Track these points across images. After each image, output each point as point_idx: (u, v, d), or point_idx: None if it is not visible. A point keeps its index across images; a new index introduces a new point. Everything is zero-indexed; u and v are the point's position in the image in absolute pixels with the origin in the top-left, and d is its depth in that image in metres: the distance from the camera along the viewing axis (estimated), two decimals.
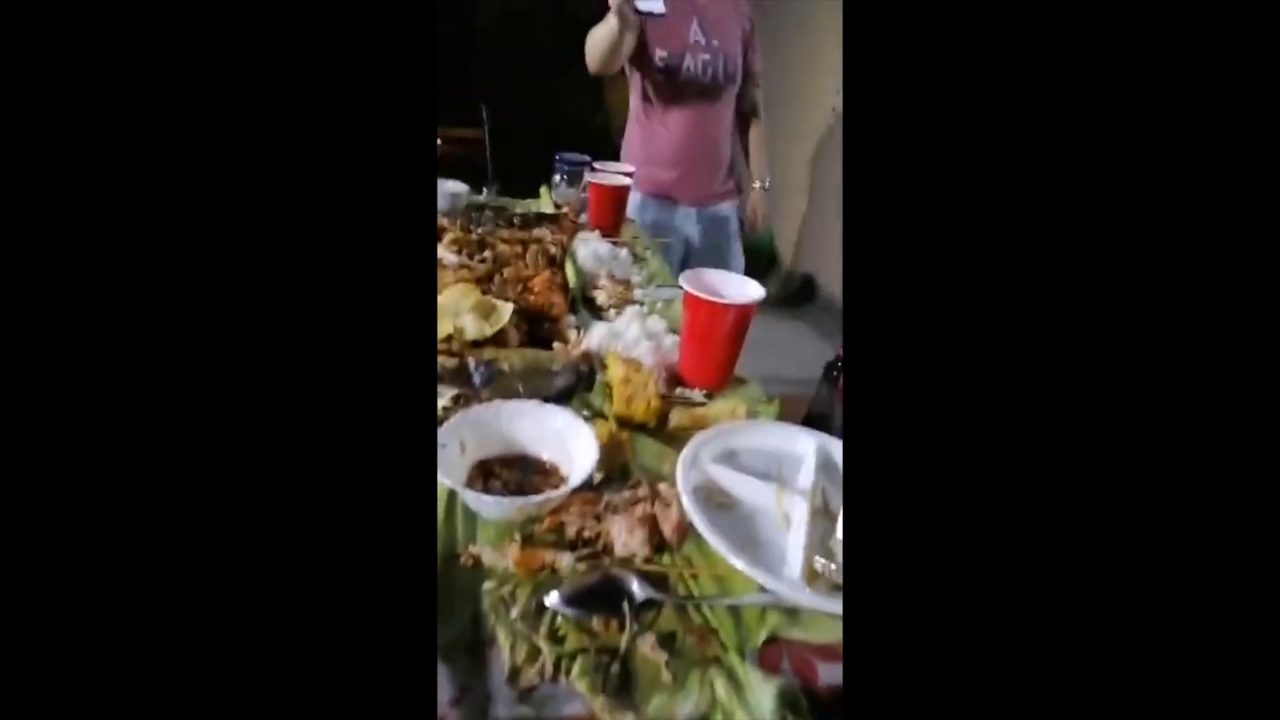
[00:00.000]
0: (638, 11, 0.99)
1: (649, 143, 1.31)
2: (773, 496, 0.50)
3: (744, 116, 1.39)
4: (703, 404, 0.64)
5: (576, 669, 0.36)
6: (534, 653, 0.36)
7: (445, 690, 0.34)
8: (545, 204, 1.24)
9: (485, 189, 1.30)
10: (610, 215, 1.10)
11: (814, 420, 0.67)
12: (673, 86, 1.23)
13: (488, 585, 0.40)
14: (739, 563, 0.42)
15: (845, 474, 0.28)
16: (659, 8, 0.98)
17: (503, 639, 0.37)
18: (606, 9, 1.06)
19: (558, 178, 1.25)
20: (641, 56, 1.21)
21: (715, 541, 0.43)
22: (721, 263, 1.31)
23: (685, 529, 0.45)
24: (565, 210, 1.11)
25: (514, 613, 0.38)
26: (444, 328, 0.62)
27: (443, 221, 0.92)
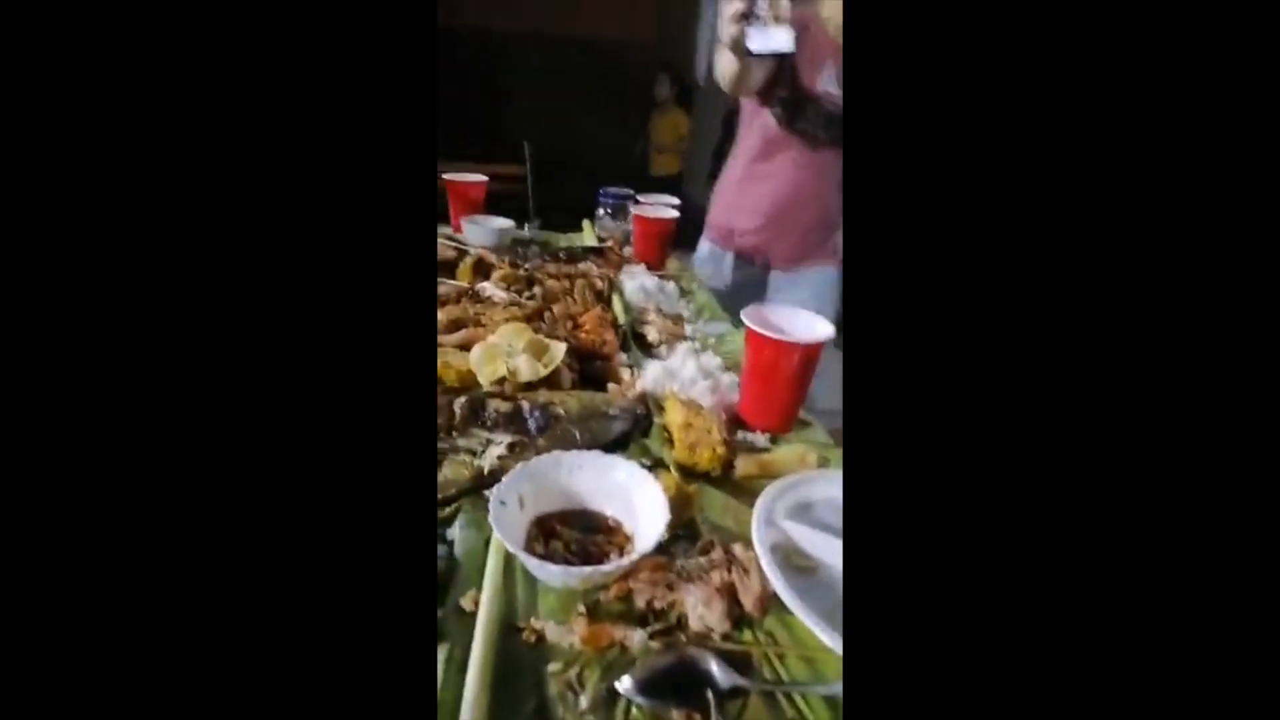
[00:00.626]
0: (749, 53, 0.81)
1: (739, 194, 1.12)
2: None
3: None
4: (768, 449, 0.60)
5: None
6: None
7: None
8: (589, 238, 1.24)
9: (527, 224, 1.30)
10: (656, 248, 1.08)
11: None
12: (786, 130, 1.04)
13: (553, 667, 0.36)
14: (830, 640, 0.37)
15: (845, 476, 0.28)
16: (782, 45, 0.79)
17: None
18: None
19: (601, 211, 1.24)
20: (768, 91, 1.03)
21: (804, 616, 0.38)
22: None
23: (767, 600, 0.40)
24: (610, 244, 1.10)
25: (583, 703, 0.34)
26: (497, 369, 0.60)
27: (490, 257, 0.92)
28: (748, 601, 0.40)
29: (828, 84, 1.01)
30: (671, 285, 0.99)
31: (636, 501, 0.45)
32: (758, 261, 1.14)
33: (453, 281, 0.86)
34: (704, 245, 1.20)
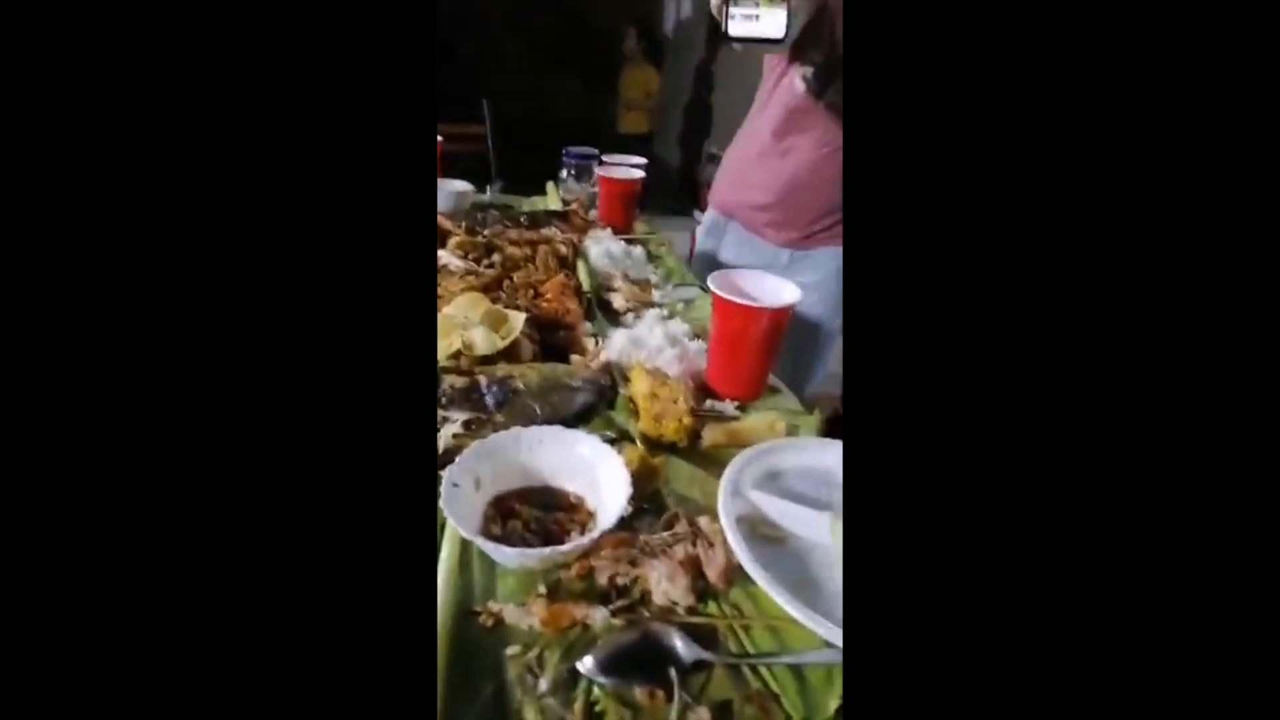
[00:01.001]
0: (729, 39, 0.71)
1: (754, 165, 1.00)
2: (827, 527, 0.44)
3: None
4: (736, 417, 0.59)
5: None
6: None
7: None
8: (552, 201, 1.19)
9: (489, 187, 1.24)
10: (622, 210, 1.04)
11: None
12: (814, 100, 0.90)
13: (512, 650, 0.34)
14: (798, 613, 0.37)
15: (845, 473, 0.27)
16: (770, 32, 0.68)
17: (531, 718, 0.31)
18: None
19: (565, 173, 1.19)
20: (799, 50, 0.89)
21: (769, 587, 0.38)
22: (816, 319, 0.99)
23: (733, 572, 0.40)
24: (574, 207, 1.05)
25: (543, 685, 0.33)
26: (452, 343, 0.57)
27: (446, 223, 0.87)
28: (712, 574, 0.39)
29: None
30: (639, 249, 0.95)
31: (599, 476, 0.43)
32: (767, 239, 1.02)
33: None
34: (709, 216, 1.09)
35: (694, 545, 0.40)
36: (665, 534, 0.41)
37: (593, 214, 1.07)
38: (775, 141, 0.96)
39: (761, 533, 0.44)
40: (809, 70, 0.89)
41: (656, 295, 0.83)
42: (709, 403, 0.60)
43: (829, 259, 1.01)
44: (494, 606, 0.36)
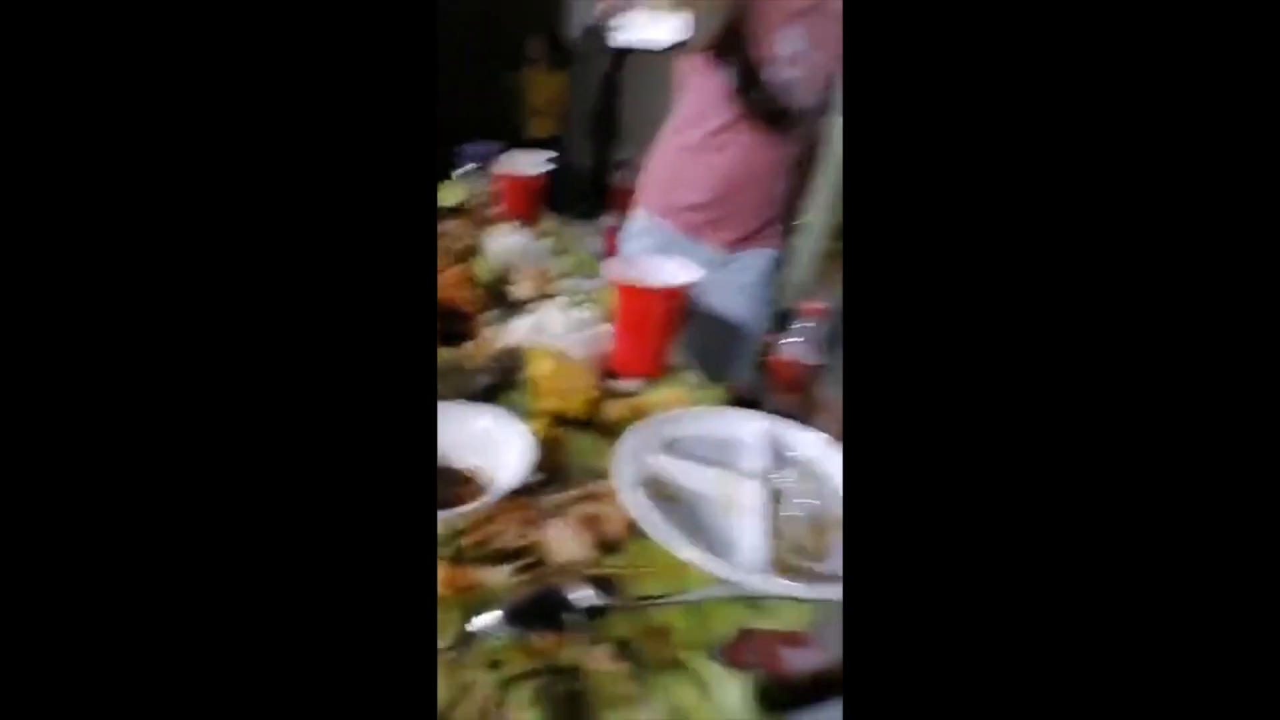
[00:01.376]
0: (607, 48, 0.68)
1: (687, 164, 0.99)
2: (723, 484, 0.47)
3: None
4: (638, 393, 0.61)
5: (520, 698, 0.31)
6: (467, 687, 0.31)
7: None
8: (449, 198, 1.16)
9: None
10: (526, 205, 1.04)
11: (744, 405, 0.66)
12: (741, 103, 0.91)
13: None
14: (693, 555, 0.39)
15: (845, 471, 0.28)
16: (653, 42, 0.62)
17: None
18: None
19: (462, 169, 1.17)
20: (718, 52, 0.89)
21: (664, 535, 0.40)
22: (743, 320, 1.03)
23: (629, 526, 0.42)
24: (472, 203, 1.04)
25: (440, 642, 0.33)
26: None
27: None
28: (611, 529, 0.41)
29: (790, 42, 0.87)
30: (543, 242, 0.96)
31: (500, 446, 0.44)
32: (705, 240, 1.01)
33: None
34: (641, 216, 1.07)
35: (593, 505, 0.41)
36: (562, 495, 0.42)
37: (492, 209, 1.06)
38: (705, 137, 0.95)
39: (661, 493, 0.47)
40: (730, 75, 0.90)
41: (561, 285, 0.84)
42: (611, 381, 0.62)
43: (761, 260, 1.04)
44: None
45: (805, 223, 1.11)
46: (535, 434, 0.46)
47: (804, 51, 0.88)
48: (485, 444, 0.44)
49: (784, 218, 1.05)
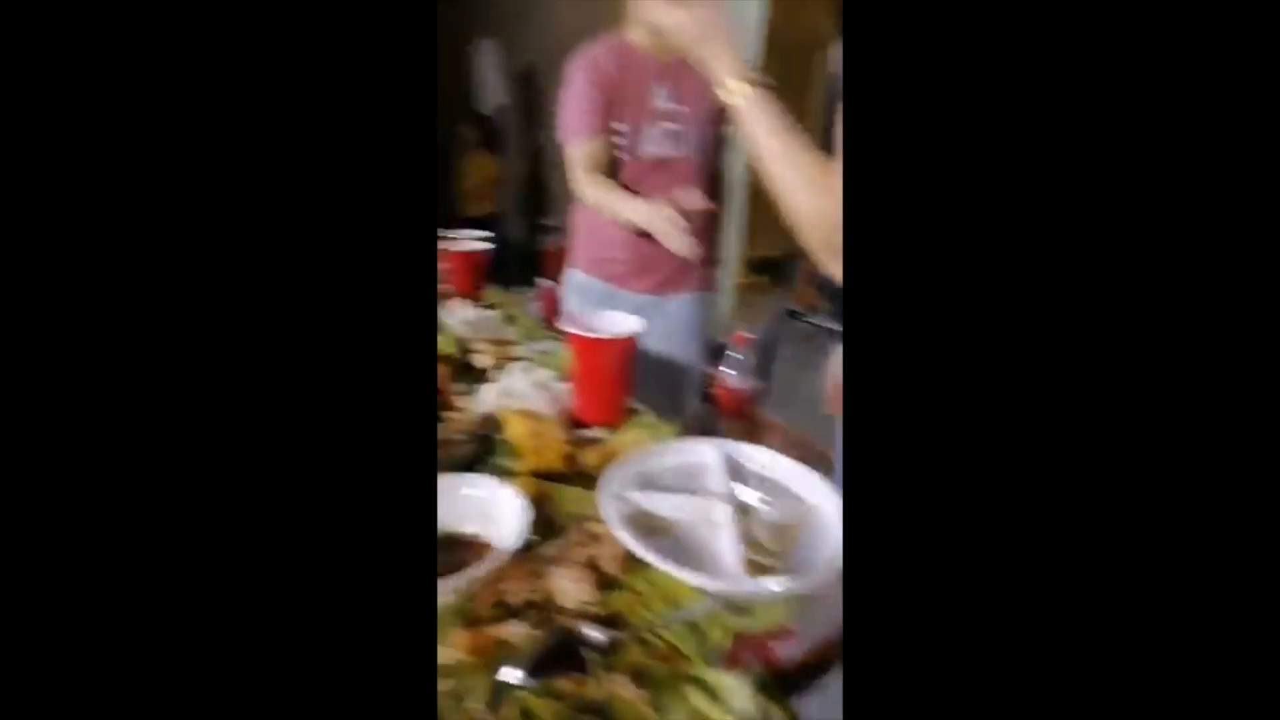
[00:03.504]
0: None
1: (601, 222, 1.08)
2: (695, 507, 0.52)
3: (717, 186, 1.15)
4: (606, 440, 0.66)
5: None
6: None
7: None
8: None
9: None
10: (470, 280, 1.09)
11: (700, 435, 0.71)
12: (635, 162, 1.05)
13: (444, 685, 0.36)
14: (677, 572, 0.43)
15: (844, 476, 0.28)
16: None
17: None
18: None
19: None
20: (607, 116, 1.03)
21: (652, 558, 0.44)
22: (679, 359, 1.12)
23: (625, 559, 0.46)
24: None
25: (471, 703, 0.35)
26: None
27: None
28: (608, 565, 0.45)
29: (660, 100, 1.02)
30: (493, 313, 1.01)
31: (494, 510, 0.47)
32: (628, 288, 1.13)
33: None
34: (573, 275, 1.17)
35: (588, 546, 0.45)
36: (559, 541, 0.46)
37: (443, 287, 1.10)
38: None
39: (641, 524, 0.51)
40: (621, 139, 1.03)
41: (518, 350, 0.88)
42: (580, 433, 0.67)
43: (682, 305, 1.15)
44: None
45: (721, 259, 1.21)
46: (523, 493, 0.50)
47: (674, 107, 1.03)
48: (481, 511, 0.48)
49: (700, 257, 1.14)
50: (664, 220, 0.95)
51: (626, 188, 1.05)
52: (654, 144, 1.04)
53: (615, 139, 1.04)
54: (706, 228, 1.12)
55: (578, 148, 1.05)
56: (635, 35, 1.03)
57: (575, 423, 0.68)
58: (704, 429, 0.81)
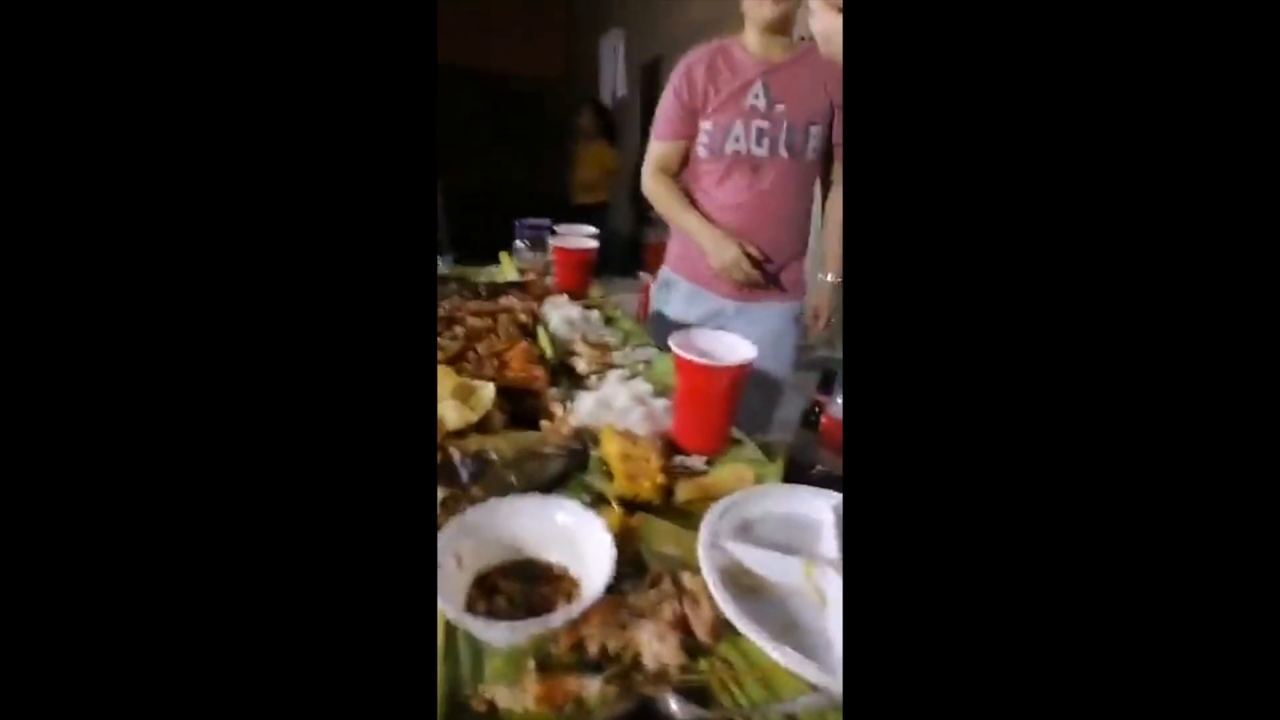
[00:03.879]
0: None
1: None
2: (801, 571, 0.46)
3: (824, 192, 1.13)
4: (705, 471, 0.61)
5: None
6: None
7: None
8: (507, 271, 1.22)
9: (440, 258, 1.26)
10: (578, 277, 1.08)
11: (797, 469, 0.64)
12: (716, 159, 1.03)
13: None
14: (783, 658, 0.38)
15: (845, 493, 0.29)
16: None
17: None
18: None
19: (519, 243, 1.23)
20: (691, 123, 1.04)
21: (756, 636, 0.39)
22: (765, 371, 1.06)
23: (720, 626, 0.40)
24: (530, 276, 1.09)
25: None
26: None
27: None
28: (700, 631, 0.40)
29: (754, 98, 1.00)
30: (595, 314, 0.99)
31: (581, 543, 0.44)
32: (713, 290, 1.10)
33: None
34: (664, 272, 1.17)
35: (680, 603, 0.41)
36: (651, 593, 0.41)
37: (549, 281, 1.10)
38: (706, 195, 1.07)
39: (742, 583, 0.45)
40: (706, 136, 1.03)
41: (616, 357, 0.85)
42: (678, 459, 0.62)
43: (772, 315, 1.10)
44: (485, 692, 0.36)
45: (832, 283, 1.14)
46: (613, 525, 0.46)
47: (766, 104, 1.01)
48: (565, 539, 0.45)
49: (794, 259, 1.11)
50: (710, 239, 0.99)
51: (690, 194, 1.07)
52: (739, 141, 1.02)
53: (700, 138, 1.04)
54: (796, 227, 1.09)
55: (654, 148, 1.07)
56: (748, 36, 1.02)
57: (671, 445, 0.64)
58: (807, 463, 0.74)
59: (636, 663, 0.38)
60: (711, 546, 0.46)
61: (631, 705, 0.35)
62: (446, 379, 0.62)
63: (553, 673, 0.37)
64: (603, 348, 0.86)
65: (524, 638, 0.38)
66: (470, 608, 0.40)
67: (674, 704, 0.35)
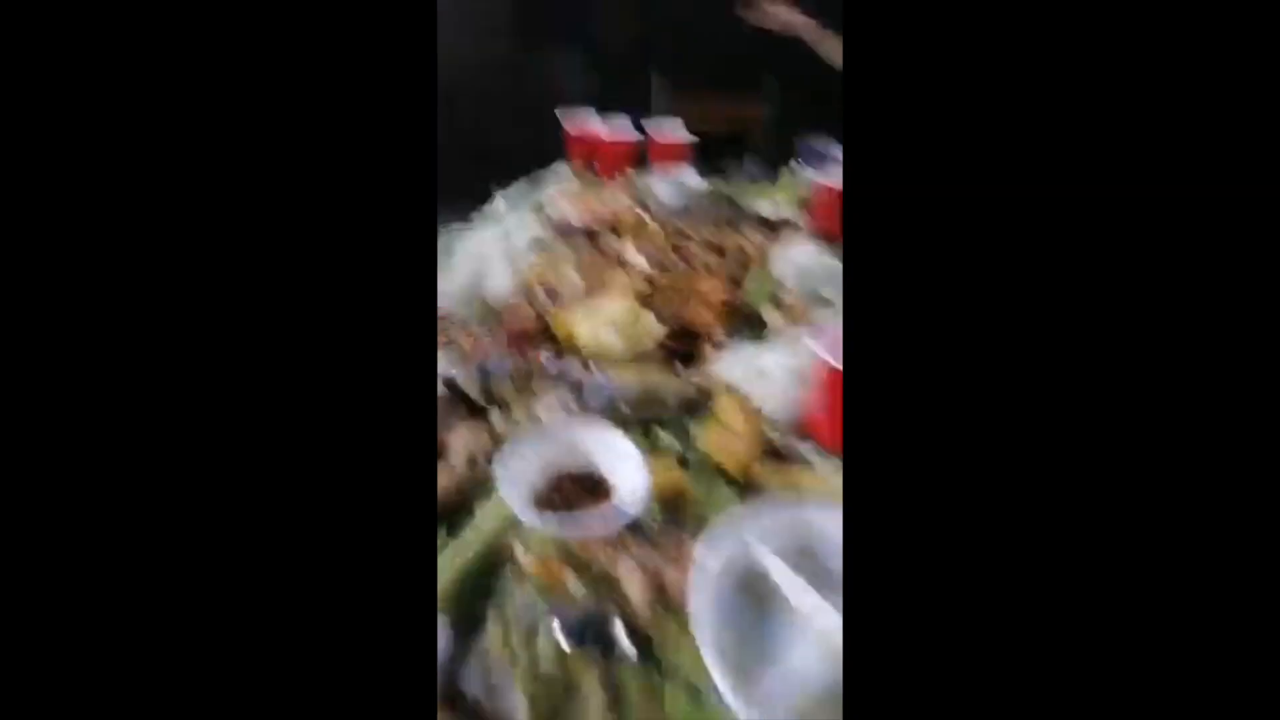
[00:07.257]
0: None
1: None
2: (812, 606, 0.43)
3: None
4: (810, 464, 0.58)
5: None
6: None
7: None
8: (783, 196, 1.17)
9: (729, 170, 1.26)
10: (836, 222, 0.99)
11: None
12: None
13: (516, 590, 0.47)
14: (720, 681, 0.37)
15: (845, 478, 0.29)
16: None
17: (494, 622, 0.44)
18: None
19: (796, 166, 1.16)
20: None
21: (705, 634, 0.40)
22: None
23: (681, 598, 0.44)
24: (787, 215, 1.04)
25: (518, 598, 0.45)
26: (583, 335, 0.70)
27: (645, 218, 0.98)
28: (673, 593, 0.44)
29: None
30: (838, 265, 0.91)
31: (628, 467, 0.51)
32: None
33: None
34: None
35: (663, 561, 0.46)
36: (660, 538, 0.47)
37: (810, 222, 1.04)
38: None
39: (754, 589, 0.45)
40: None
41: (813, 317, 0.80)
42: (788, 440, 0.60)
43: None
44: (519, 549, 0.49)
45: None
46: (667, 482, 0.51)
47: None
48: (618, 464, 0.52)
49: None
50: None
51: None
52: None
53: None
54: None
55: None
56: None
57: (801, 430, 0.62)
58: None
59: (616, 587, 0.46)
60: (733, 535, 0.46)
61: (591, 611, 0.44)
62: (623, 303, 0.72)
63: (566, 562, 0.48)
64: (804, 306, 0.81)
65: (546, 527, 0.49)
66: (535, 498, 0.51)
67: (623, 637, 0.42)
